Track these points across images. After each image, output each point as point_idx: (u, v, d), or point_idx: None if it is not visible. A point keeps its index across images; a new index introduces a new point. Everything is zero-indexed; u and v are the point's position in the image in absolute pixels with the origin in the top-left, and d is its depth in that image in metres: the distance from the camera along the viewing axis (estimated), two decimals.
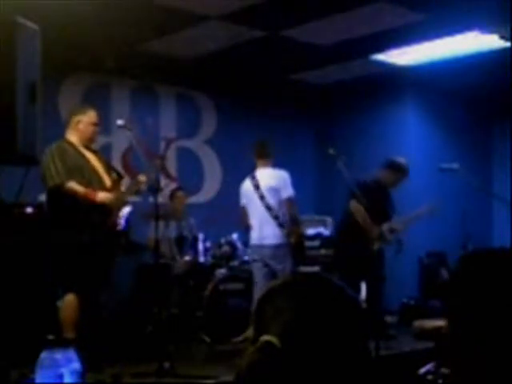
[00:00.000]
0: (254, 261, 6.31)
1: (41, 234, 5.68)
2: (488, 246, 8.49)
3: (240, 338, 6.22)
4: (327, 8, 6.28)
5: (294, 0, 6.09)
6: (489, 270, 1.34)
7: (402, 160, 6.76)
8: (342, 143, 7.85)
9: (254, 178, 6.31)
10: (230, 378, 4.59)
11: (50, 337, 5.30)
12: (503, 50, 7.23)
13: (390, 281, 6.82)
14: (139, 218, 6.19)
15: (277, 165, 6.71)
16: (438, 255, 8.42)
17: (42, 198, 5.52)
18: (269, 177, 6.26)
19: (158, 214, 5.31)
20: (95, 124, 5.40)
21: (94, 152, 5.49)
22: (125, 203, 5.40)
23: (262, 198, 6.19)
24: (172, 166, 8.24)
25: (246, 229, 6.46)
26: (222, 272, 6.63)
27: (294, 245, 6.24)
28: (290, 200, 6.22)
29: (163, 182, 6.97)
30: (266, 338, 1.15)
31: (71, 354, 3.08)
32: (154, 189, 5.32)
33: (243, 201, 6.41)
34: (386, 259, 6.62)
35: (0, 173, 3.51)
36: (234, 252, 6.88)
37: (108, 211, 5.23)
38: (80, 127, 5.33)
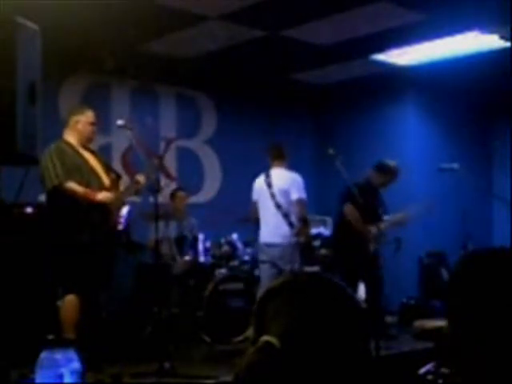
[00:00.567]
0: (263, 262, 6.37)
1: (41, 234, 5.68)
2: (488, 245, 8.49)
3: (240, 338, 6.22)
4: (327, 8, 6.28)
5: (293, 0, 6.09)
6: (489, 270, 1.34)
7: (391, 163, 6.77)
8: (342, 143, 7.86)
9: (268, 176, 6.46)
10: (229, 378, 4.58)
11: (50, 337, 5.30)
12: (503, 50, 7.23)
13: (390, 281, 6.82)
14: (139, 217, 6.19)
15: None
16: (437, 255, 8.42)
17: (42, 198, 5.51)
18: (281, 178, 6.39)
19: (157, 213, 5.31)
20: (93, 124, 5.41)
21: (93, 152, 5.49)
22: (124, 203, 5.40)
23: (273, 196, 6.32)
24: (172, 165, 8.24)
25: (255, 223, 6.55)
26: (221, 272, 6.63)
27: (303, 245, 6.31)
28: (300, 202, 6.32)
29: (163, 181, 6.96)
30: (265, 338, 1.15)
31: (71, 354, 3.07)
32: (154, 189, 5.32)
33: (255, 197, 6.54)
34: (383, 259, 6.61)
35: (0, 173, 3.51)
36: (234, 252, 6.88)
37: (108, 211, 5.23)
38: (79, 127, 5.34)
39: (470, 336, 1.31)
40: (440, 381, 3.36)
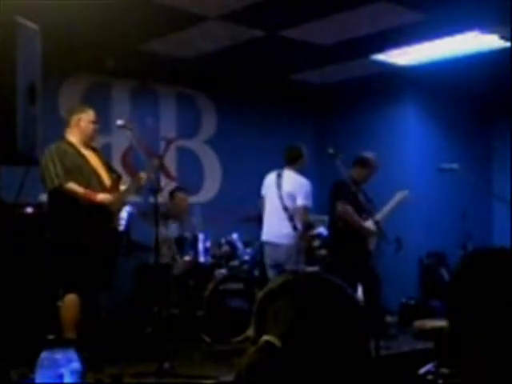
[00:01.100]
0: (271, 266, 6.45)
1: (41, 234, 5.68)
2: (488, 245, 8.48)
3: (240, 338, 6.22)
4: (327, 8, 6.27)
5: (293, 0, 6.08)
6: (489, 270, 1.34)
7: (369, 154, 6.82)
8: (342, 143, 7.84)
9: (280, 176, 6.53)
10: (229, 378, 4.59)
11: (50, 337, 5.31)
12: (503, 50, 7.22)
13: (390, 281, 6.81)
14: (139, 218, 6.19)
15: (277, 164, 6.74)
16: (437, 255, 8.41)
17: (42, 198, 5.52)
18: (291, 182, 6.47)
19: (157, 214, 5.31)
20: (95, 122, 5.42)
21: (95, 150, 5.49)
22: (124, 203, 5.40)
23: (281, 198, 6.41)
24: (172, 166, 8.24)
25: (257, 221, 6.62)
26: (221, 272, 6.64)
27: (305, 249, 6.42)
28: (303, 208, 6.39)
29: (163, 181, 6.96)
30: (266, 338, 1.15)
31: (71, 354, 3.08)
32: (154, 189, 5.32)
33: (263, 192, 6.64)
34: (381, 257, 6.60)
35: (0, 173, 3.51)
36: (234, 252, 6.89)
37: (108, 212, 5.23)
38: (81, 125, 5.34)
39: (470, 336, 1.31)
40: (440, 381, 3.36)
